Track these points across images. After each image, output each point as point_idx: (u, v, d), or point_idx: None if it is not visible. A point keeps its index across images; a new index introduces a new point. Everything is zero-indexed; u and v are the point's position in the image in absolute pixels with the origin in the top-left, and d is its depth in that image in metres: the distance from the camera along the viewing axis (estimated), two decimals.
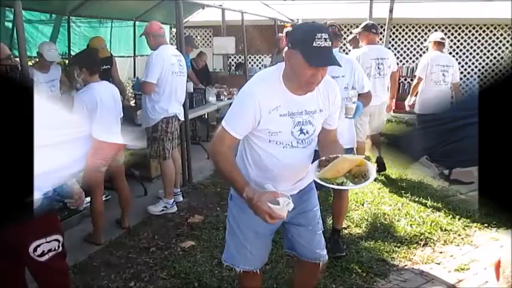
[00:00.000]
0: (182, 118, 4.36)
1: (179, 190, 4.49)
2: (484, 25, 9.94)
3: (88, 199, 4.12)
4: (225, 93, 6.60)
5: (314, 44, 1.71)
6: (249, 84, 1.95)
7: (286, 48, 1.86)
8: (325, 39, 1.72)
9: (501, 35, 9.90)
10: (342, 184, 1.81)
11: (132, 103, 6.00)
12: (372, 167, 1.85)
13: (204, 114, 6.52)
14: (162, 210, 4.16)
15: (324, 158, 1.92)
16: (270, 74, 1.96)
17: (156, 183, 4.85)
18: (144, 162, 4.82)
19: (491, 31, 9.98)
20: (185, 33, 6.31)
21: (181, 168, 4.77)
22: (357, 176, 1.82)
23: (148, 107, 4.04)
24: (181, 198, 4.48)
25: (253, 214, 1.86)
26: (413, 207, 4.25)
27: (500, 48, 9.97)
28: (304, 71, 1.76)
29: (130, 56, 8.14)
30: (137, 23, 7.69)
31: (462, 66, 10.36)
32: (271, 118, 1.88)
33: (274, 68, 1.97)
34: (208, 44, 11.52)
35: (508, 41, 9.73)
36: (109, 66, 5.29)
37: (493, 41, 10.02)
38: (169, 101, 4.04)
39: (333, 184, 1.81)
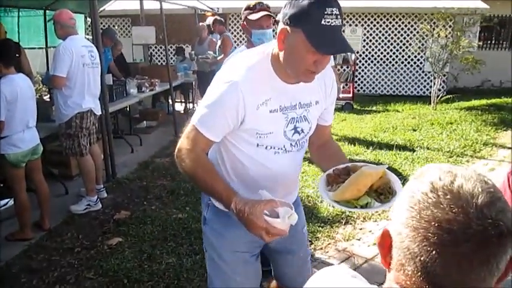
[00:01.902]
0: (99, 112, 4.19)
1: (102, 186, 4.34)
2: (394, 13, 10.60)
3: (3, 202, 3.90)
4: (147, 85, 6.45)
5: (323, 22, 1.26)
6: (230, 70, 1.48)
7: (280, 25, 1.38)
8: (336, 16, 1.28)
9: (409, 22, 10.62)
10: (366, 206, 1.43)
11: (46, 98, 5.67)
12: (394, 177, 1.48)
13: (126, 107, 6.33)
14: (86, 208, 4.00)
15: (331, 171, 1.54)
16: (256, 56, 1.49)
17: (78, 181, 4.64)
18: (63, 159, 4.59)
19: (399, 19, 10.67)
20: (102, 24, 6.05)
21: (104, 164, 4.62)
22: (382, 191, 1.45)
23: (60, 102, 3.85)
24: (105, 195, 4.34)
25: (238, 236, 1.56)
26: None
27: (408, 35, 10.70)
28: (306, 57, 1.32)
29: (42, 48, 7.64)
30: (48, 11, 7.22)
31: (375, 53, 10.98)
32: (260, 115, 1.45)
33: (261, 49, 1.51)
34: (127, 34, 11.13)
35: (415, 29, 10.45)
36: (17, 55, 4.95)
37: (402, 29, 10.72)
38: (82, 95, 3.87)
39: (356, 207, 1.44)
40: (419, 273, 0.65)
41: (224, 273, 1.70)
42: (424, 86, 10.96)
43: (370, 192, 1.45)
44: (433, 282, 0.64)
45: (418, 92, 11.01)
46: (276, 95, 1.47)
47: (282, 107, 1.49)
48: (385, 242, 0.71)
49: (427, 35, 9.53)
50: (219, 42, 6.76)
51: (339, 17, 1.29)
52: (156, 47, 11.28)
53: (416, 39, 10.25)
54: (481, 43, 10.66)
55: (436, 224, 0.62)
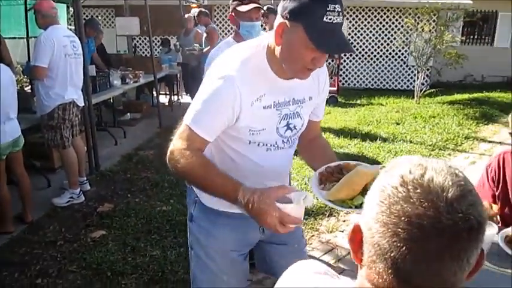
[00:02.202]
0: (81, 104, 4.13)
1: (85, 179, 4.30)
2: (378, 7, 10.66)
3: None
4: (131, 76, 6.38)
5: (325, 19, 1.21)
6: (223, 64, 1.41)
7: (278, 18, 1.31)
8: (338, 13, 1.23)
9: (393, 17, 10.69)
10: (361, 206, 1.38)
11: (27, 89, 5.57)
12: None
13: (110, 99, 6.26)
14: (68, 201, 3.96)
15: (323, 169, 1.51)
16: (251, 50, 1.42)
17: (60, 173, 4.58)
18: (45, 152, 4.53)
19: (384, 13, 10.74)
20: (85, 15, 5.97)
21: (87, 156, 4.57)
22: None
23: (41, 93, 3.78)
24: (88, 187, 4.30)
25: (227, 234, 1.55)
26: None
27: (393, 29, 10.78)
28: (304, 54, 1.28)
29: (23, 38, 7.48)
30: (29, 0, 7.06)
31: (360, 47, 11.04)
32: (253, 111, 1.40)
33: (256, 43, 1.44)
34: (110, 25, 10.98)
35: (399, 23, 10.53)
36: None
37: (386, 23, 10.80)
38: (64, 86, 3.82)
39: (351, 207, 1.40)
40: (390, 271, 0.63)
41: (211, 271, 1.63)
42: (408, 80, 11.08)
43: (364, 192, 1.40)
44: (403, 279, 0.63)
45: (402, 86, 11.12)
46: (270, 91, 1.41)
47: (275, 103, 1.43)
48: (356, 237, 0.70)
49: (411, 30, 9.63)
50: (204, 34, 6.72)
51: (340, 14, 1.23)
52: (140, 38, 11.16)
53: (401, 33, 10.34)
54: (464, 38, 10.80)
55: (406, 219, 0.60)
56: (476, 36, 12.44)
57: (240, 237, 1.60)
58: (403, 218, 0.60)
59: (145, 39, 11.06)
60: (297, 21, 1.24)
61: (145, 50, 11.31)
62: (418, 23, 9.15)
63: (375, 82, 11.27)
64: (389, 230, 0.61)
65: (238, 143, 1.46)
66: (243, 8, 2.66)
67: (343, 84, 10.91)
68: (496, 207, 1.77)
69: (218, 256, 1.61)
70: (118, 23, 8.34)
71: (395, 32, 10.67)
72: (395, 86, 11.15)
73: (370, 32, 10.89)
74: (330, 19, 1.21)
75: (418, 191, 0.61)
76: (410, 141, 6.10)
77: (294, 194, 1.24)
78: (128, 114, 7.33)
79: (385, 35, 10.84)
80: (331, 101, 8.93)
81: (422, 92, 9.19)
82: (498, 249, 1.55)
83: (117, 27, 8.29)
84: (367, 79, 11.29)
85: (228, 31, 10.86)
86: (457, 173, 0.64)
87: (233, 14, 2.73)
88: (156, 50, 9.09)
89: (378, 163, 5.10)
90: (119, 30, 8.27)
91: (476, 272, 0.65)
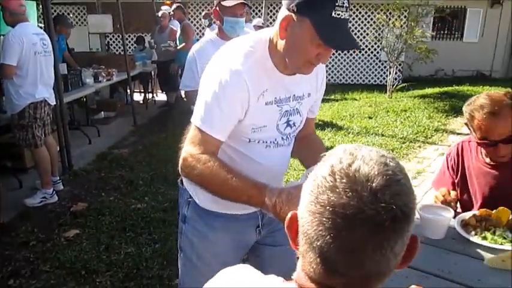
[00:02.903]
0: (53, 102, 4.08)
1: (58, 178, 4.25)
2: (351, 3, 10.78)
3: None
4: (104, 74, 6.30)
5: (333, 14, 1.18)
6: (226, 59, 1.34)
7: (283, 11, 1.26)
8: (346, 9, 1.21)
9: (365, 13, 10.85)
10: None
11: None
12: None
13: (82, 97, 6.18)
14: (41, 201, 3.92)
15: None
16: (253, 43, 1.36)
17: (32, 173, 4.52)
18: (16, 152, 4.46)
19: (357, 9, 10.89)
20: (56, 12, 5.86)
21: (60, 155, 4.52)
22: None
23: (11, 92, 3.73)
24: (61, 187, 4.25)
25: (222, 238, 1.53)
26: None
27: (365, 25, 10.94)
28: (310, 49, 1.24)
29: None
30: None
31: None
32: (258, 108, 1.35)
33: (258, 36, 1.39)
34: (82, 23, 10.81)
35: (371, 19, 10.69)
36: None
37: (359, 19, 10.95)
38: (34, 84, 3.78)
39: None
40: (318, 260, 0.63)
41: (201, 274, 1.51)
42: (381, 75, 11.27)
43: None
44: (330, 268, 0.63)
45: (375, 81, 11.31)
46: (272, 86, 1.36)
47: (276, 99, 1.39)
48: (293, 225, 0.70)
49: (383, 25, 9.78)
50: (179, 31, 6.69)
51: (348, 10, 1.21)
52: (113, 36, 11.02)
53: (373, 29, 10.49)
54: (434, 33, 11.03)
55: (331, 209, 0.61)
56: (446, 32, 12.74)
57: (238, 238, 1.57)
58: (328, 208, 0.61)
59: (118, 36, 10.93)
60: (304, 15, 1.20)
61: (119, 47, 11.17)
62: (389, 19, 9.31)
63: (349, 77, 11.43)
64: (316, 219, 0.62)
65: (238, 141, 1.42)
66: (228, 3, 2.63)
67: None
68: (454, 193, 1.86)
69: (211, 259, 1.56)
70: (90, 20, 8.25)
71: (367, 28, 10.82)
72: (369, 81, 11.34)
73: None
74: (338, 14, 1.18)
75: (344, 180, 0.61)
76: (382, 135, 6.23)
77: None
78: (102, 112, 7.26)
79: (358, 31, 10.99)
80: None
81: (395, 86, 9.36)
82: (454, 232, 1.63)
83: (90, 25, 8.19)
84: (341, 74, 11.44)
85: (203, 28, 10.82)
86: (387, 163, 0.63)
87: (217, 8, 2.68)
88: (130, 47, 9.01)
89: None
90: (91, 28, 8.16)
91: (409, 262, 0.67)
